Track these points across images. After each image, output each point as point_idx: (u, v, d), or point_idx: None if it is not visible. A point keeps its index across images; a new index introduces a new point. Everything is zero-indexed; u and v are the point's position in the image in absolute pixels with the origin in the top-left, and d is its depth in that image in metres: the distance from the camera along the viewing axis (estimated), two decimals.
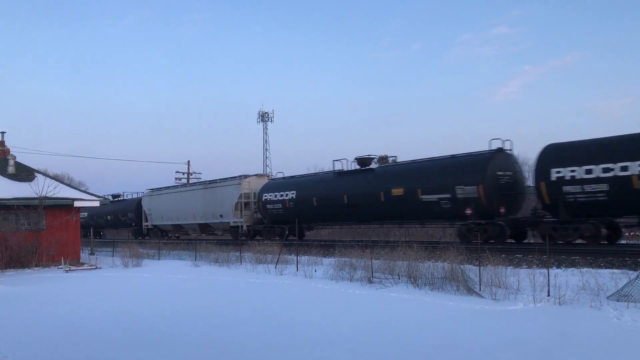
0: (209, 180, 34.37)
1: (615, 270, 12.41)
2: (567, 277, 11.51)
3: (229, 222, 30.92)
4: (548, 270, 10.84)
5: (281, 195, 27.62)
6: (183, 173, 49.18)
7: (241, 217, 30.11)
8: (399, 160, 25.97)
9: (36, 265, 20.02)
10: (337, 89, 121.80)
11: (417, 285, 11.88)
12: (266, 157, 59.96)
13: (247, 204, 30.24)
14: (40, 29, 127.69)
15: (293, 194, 27.06)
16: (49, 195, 20.63)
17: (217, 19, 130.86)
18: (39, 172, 24.27)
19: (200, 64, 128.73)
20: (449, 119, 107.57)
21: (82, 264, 21.35)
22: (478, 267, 11.65)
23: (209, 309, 10.45)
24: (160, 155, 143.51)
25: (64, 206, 21.75)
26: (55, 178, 25.90)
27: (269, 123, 60.70)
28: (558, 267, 13.83)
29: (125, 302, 11.65)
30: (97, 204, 23.95)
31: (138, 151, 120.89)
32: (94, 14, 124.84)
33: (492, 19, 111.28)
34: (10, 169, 22.84)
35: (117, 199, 45.02)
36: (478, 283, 11.12)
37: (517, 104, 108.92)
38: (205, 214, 32.77)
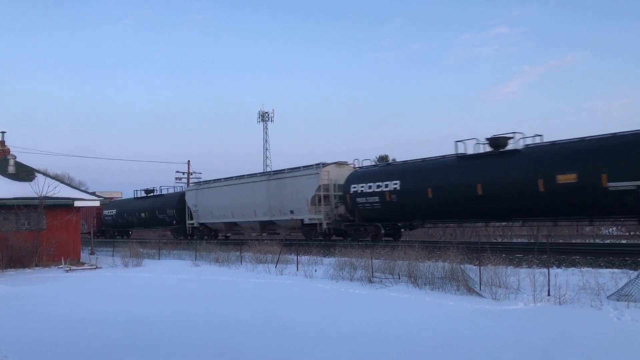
0: (274, 171, 29.42)
1: (616, 270, 12.40)
2: (568, 277, 11.51)
3: (302, 219, 26.07)
4: (548, 270, 10.84)
5: (378, 187, 22.51)
6: (183, 173, 49.24)
7: (319, 213, 25.14)
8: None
9: (36, 265, 20.03)
10: (337, 89, 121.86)
11: (417, 285, 11.88)
12: (266, 157, 59.99)
13: (326, 198, 25.21)
14: (40, 29, 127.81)
15: (396, 184, 21.85)
16: (49, 195, 20.64)
17: (217, 19, 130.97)
18: (39, 172, 24.27)
19: (200, 64, 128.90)
20: (449, 119, 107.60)
21: (83, 263, 21.36)
22: (478, 267, 11.65)
23: (209, 309, 10.45)
24: (160, 155, 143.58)
25: (64, 206, 21.75)
26: (55, 178, 25.88)
27: (269, 123, 60.72)
28: (558, 266, 13.83)
29: (125, 302, 11.65)
30: (97, 203, 23.97)
31: (138, 151, 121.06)
32: (94, 14, 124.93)
33: (492, 19, 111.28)
34: (11, 169, 22.84)
35: (151, 194, 40.50)
36: (478, 283, 11.12)
37: (517, 104, 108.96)
38: (271, 210, 27.89)
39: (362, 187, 23.21)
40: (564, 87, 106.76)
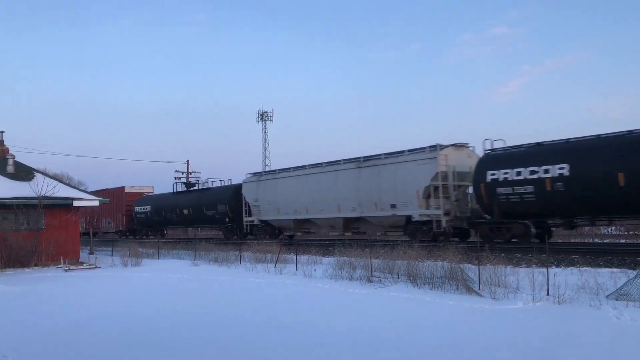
0: (365, 157, 24.08)
1: (615, 270, 12.43)
2: (567, 276, 11.52)
3: (409, 216, 21.50)
4: (547, 270, 10.87)
5: (532, 172, 17.69)
6: (182, 172, 49.14)
7: (435, 208, 20.54)
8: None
9: (35, 265, 20.02)
10: (336, 89, 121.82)
11: (417, 285, 11.90)
12: (265, 157, 59.91)
13: (444, 189, 20.63)
14: (40, 28, 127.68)
15: (563, 168, 17.10)
16: (48, 194, 20.62)
17: (217, 19, 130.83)
18: (38, 171, 24.25)
19: (200, 64, 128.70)
20: (449, 119, 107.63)
21: (82, 263, 21.36)
22: (477, 267, 11.67)
23: (208, 309, 10.45)
24: (159, 154, 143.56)
25: (63, 205, 21.75)
26: (54, 177, 25.88)
27: (268, 122, 60.60)
28: (557, 266, 13.86)
29: (124, 302, 11.66)
30: (96, 203, 23.93)
31: (138, 150, 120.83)
32: (94, 14, 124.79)
33: (492, 20, 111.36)
34: (10, 169, 22.83)
35: (195, 188, 36.20)
36: (477, 282, 11.14)
37: (517, 104, 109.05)
38: (361, 204, 23.26)
39: (506, 173, 18.43)
40: (563, 87, 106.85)
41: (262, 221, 29.26)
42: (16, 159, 23.79)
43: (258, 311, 9.99)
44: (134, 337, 8.12)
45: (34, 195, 20.44)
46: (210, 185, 35.05)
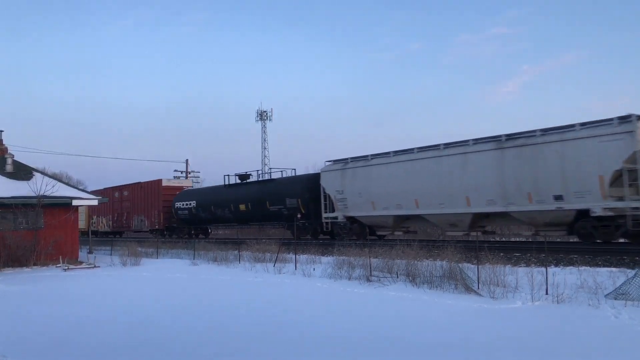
0: (507, 135, 18.85)
1: (613, 269, 12.44)
2: (566, 276, 11.53)
3: (584, 210, 16.61)
4: (546, 269, 10.88)
5: None
6: (181, 172, 49.16)
7: (625, 199, 15.80)
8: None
9: (34, 264, 20.00)
10: (335, 88, 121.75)
11: (416, 284, 11.91)
12: (264, 156, 59.85)
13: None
14: (40, 28, 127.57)
15: None
16: (47, 194, 20.61)
17: (217, 19, 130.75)
18: (37, 170, 24.24)
19: (200, 64, 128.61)
20: (448, 118, 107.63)
21: (81, 262, 21.35)
22: (476, 266, 11.68)
23: (207, 308, 10.45)
24: (158, 154, 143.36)
25: (62, 205, 21.74)
26: (53, 177, 25.86)
27: (267, 122, 60.48)
28: (556, 265, 13.87)
29: (123, 301, 11.65)
30: (95, 202, 23.94)
31: (137, 150, 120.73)
32: (94, 14, 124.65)
33: (491, 19, 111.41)
34: (9, 168, 22.82)
35: (251, 180, 30.91)
36: (476, 281, 11.15)
37: (516, 104, 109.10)
38: (506, 195, 18.33)
39: None
40: (563, 86, 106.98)
41: (347, 218, 24.10)
42: (15, 159, 23.78)
43: (257, 311, 9.99)
44: (132, 336, 8.12)
45: (32, 194, 20.43)
46: (270, 176, 29.84)
